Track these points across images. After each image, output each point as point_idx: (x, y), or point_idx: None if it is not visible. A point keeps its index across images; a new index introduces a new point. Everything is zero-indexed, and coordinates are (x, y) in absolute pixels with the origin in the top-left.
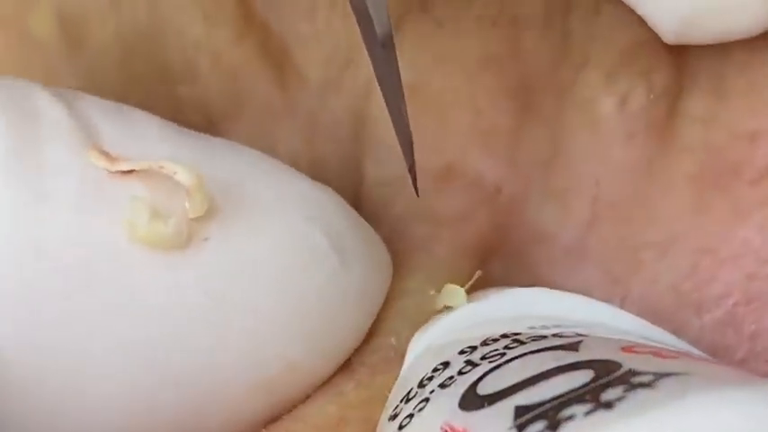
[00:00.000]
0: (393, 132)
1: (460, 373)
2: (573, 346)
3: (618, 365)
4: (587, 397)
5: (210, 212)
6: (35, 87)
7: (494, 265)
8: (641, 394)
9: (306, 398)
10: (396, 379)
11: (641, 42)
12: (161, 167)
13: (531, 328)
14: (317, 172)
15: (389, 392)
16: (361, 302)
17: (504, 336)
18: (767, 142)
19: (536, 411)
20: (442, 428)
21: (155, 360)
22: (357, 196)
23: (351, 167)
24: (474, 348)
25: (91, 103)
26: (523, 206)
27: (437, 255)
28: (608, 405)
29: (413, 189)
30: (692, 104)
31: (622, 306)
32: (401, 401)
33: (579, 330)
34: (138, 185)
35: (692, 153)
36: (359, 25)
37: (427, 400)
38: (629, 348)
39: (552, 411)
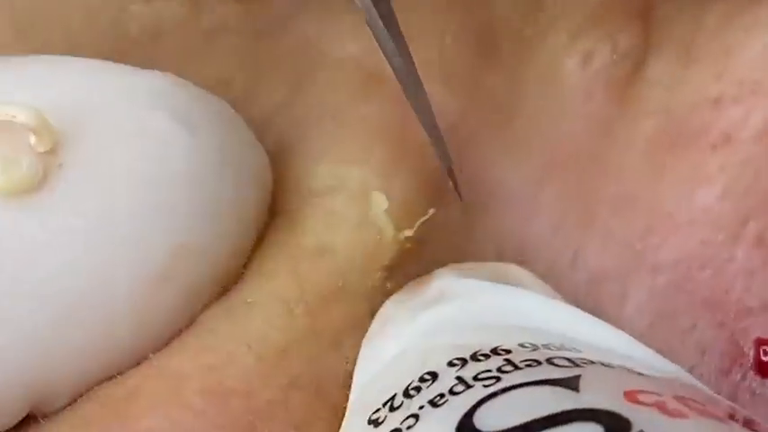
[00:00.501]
0: None
1: (452, 392)
2: (573, 383)
3: (627, 424)
4: None
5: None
6: None
7: (450, 208)
8: None
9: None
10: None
11: (611, 4)
12: (2, 113)
13: (522, 345)
14: None
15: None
16: (230, 166)
17: (495, 352)
18: (730, 107)
19: None
20: None
21: (46, 296)
22: None
23: None
24: (464, 362)
25: None
26: (481, 151)
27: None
28: None
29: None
30: (656, 69)
31: (575, 261)
32: (384, 406)
33: (570, 354)
34: None
35: (652, 116)
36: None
37: (417, 417)
38: (632, 395)
39: None
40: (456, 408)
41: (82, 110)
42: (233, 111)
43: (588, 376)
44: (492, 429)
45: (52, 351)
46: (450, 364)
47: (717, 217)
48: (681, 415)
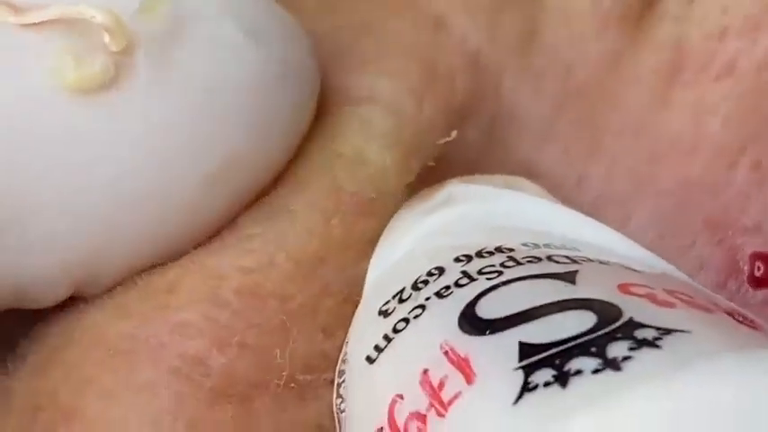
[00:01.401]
0: None
1: (457, 284)
2: (570, 277)
3: (618, 312)
4: (593, 349)
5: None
6: None
7: (468, 131)
8: (648, 355)
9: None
10: None
11: None
12: (79, 13)
13: (525, 244)
14: None
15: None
16: (292, 86)
17: (499, 250)
18: (735, 38)
19: (542, 355)
20: (441, 347)
21: (110, 194)
22: None
23: None
24: (469, 258)
25: None
26: (500, 79)
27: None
28: (615, 365)
29: None
30: (667, 3)
31: (580, 183)
32: (393, 298)
33: (569, 253)
34: (56, 33)
35: (661, 49)
36: None
37: (423, 307)
38: (624, 287)
39: (559, 360)
40: (460, 298)
41: (157, 15)
42: (296, 22)
43: (585, 271)
44: (492, 317)
45: (105, 243)
46: (457, 260)
47: (718, 144)
48: (669, 305)
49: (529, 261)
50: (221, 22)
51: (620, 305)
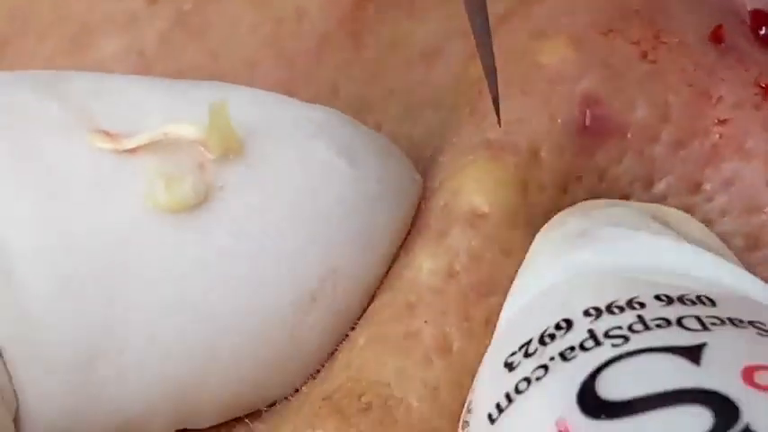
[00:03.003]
0: None
1: (582, 347)
2: (695, 354)
3: (736, 414)
4: None
5: (219, 160)
6: (16, 79)
7: None
8: None
9: (364, 306)
10: None
11: None
12: (166, 134)
13: (658, 297)
14: None
15: None
16: (387, 196)
17: (630, 305)
18: None
19: None
20: (558, 425)
21: (202, 313)
22: None
23: None
24: (599, 313)
25: (80, 83)
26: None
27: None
28: None
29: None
30: None
31: None
32: (520, 350)
33: (702, 312)
34: (147, 157)
35: None
36: None
37: (546, 368)
38: (749, 374)
39: None
40: (582, 366)
41: (246, 136)
42: (393, 145)
43: (713, 345)
44: (610, 398)
45: (203, 367)
46: (586, 313)
47: None
48: None
49: (657, 325)
50: (314, 145)
51: (740, 403)
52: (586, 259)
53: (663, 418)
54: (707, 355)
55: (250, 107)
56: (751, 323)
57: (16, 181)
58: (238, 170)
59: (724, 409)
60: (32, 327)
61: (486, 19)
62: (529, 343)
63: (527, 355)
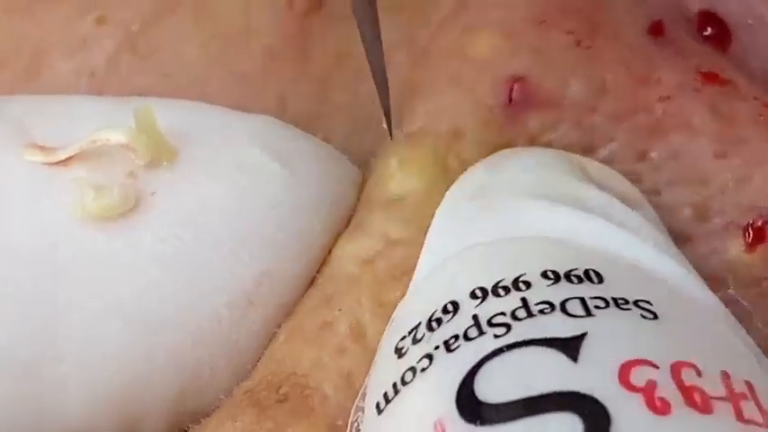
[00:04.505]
0: None
1: (466, 337)
2: (574, 349)
3: (607, 420)
4: None
5: (151, 167)
6: None
7: None
8: None
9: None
10: None
11: None
12: (94, 142)
13: (545, 275)
14: None
15: None
16: (325, 200)
17: (516, 286)
18: None
19: None
20: (436, 427)
21: (134, 317)
22: None
23: None
24: (485, 294)
25: (18, 105)
26: None
27: None
28: None
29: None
30: None
31: None
32: (409, 335)
33: (588, 292)
34: (79, 167)
35: None
36: None
37: (431, 358)
38: (625, 373)
39: None
40: (464, 359)
41: (180, 144)
42: (335, 151)
43: (594, 333)
44: (487, 400)
45: (143, 372)
46: (473, 295)
47: None
48: (664, 411)
49: (540, 311)
50: (247, 150)
51: (612, 408)
52: (478, 228)
53: (534, 427)
54: (586, 350)
55: (185, 117)
56: (636, 303)
57: None
58: (171, 177)
59: (596, 416)
60: None
61: (378, 29)
62: (417, 327)
63: (415, 341)
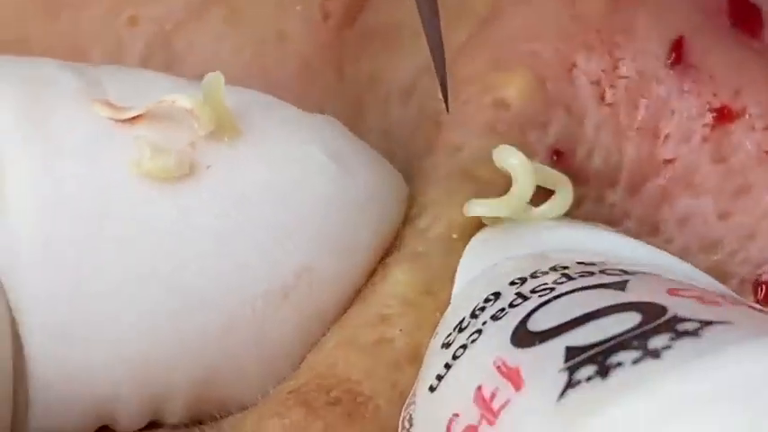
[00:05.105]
0: None
1: (512, 305)
2: (620, 286)
3: (663, 310)
4: (635, 343)
5: (211, 140)
6: (47, 61)
7: None
8: (687, 343)
9: (337, 311)
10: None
11: None
12: (160, 102)
13: (580, 263)
14: None
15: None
16: (374, 205)
17: (554, 269)
18: None
19: (586, 354)
20: (494, 363)
21: (173, 286)
22: None
23: None
24: (524, 280)
25: (100, 70)
26: None
27: None
28: (655, 354)
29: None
30: None
31: None
32: (454, 330)
33: (625, 268)
34: (142, 128)
35: None
36: None
37: (480, 331)
38: (673, 291)
39: (601, 356)
40: (514, 317)
41: (243, 123)
42: (386, 161)
43: (636, 280)
44: (542, 329)
45: (169, 347)
46: (512, 283)
47: None
48: (715, 303)
49: (581, 276)
50: (307, 146)
51: (667, 305)
52: (503, 251)
53: (593, 326)
54: (632, 286)
55: (250, 101)
56: (670, 279)
57: (23, 137)
58: (228, 153)
59: (651, 309)
60: (21, 269)
61: (436, 4)
62: (462, 321)
63: (461, 330)
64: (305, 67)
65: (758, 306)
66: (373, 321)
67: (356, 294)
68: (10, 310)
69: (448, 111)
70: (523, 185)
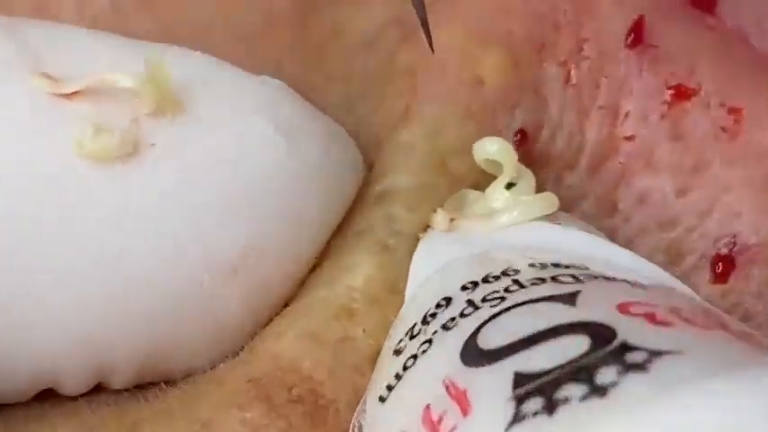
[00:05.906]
0: None
1: (462, 315)
2: (570, 299)
3: (613, 334)
4: (582, 376)
5: (154, 117)
6: None
7: None
8: (634, 380)
9: (287, 286)
10: None
11: None
12: (101, 80)
13: (532, 265)
14: None
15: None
16: (324, 179)
17: (505, 273)
18: None
19: (533, 384)
20: (443, 382)
21: (117, 266)
22: None
23: None
24: (475, 285)
25: (35, 31)
26: None
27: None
28: (602, 391)
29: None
30: None
31: None
32: (405, 336)
33: (576, 273)
34: (84, 105)
35: None
36: None
37: (430, 341)
38: (624, 307)
39: (549, 387)
40: (464, 330)
41: (187, 99)
42: (341, 130)
43: (587, 291)
44: (491, 347)
45: (117, 321)
46: (463, 288)
47: None
48: (666, 324)
49: (533, 284)
50: (253, 118)
51: (616, 326)
52: (455, 249)
53: (542, 349)
54: (582, 298)
55: (197, 71)
56: (623, 280)
57: None
58: (172, 130)
59: (600, 332)
60: None
61: None
62: (413, 327)
63: (412, 337)
64: (270, 18)
65: (709, 319)
66: (338, 314)
67: (311, 270)
68: None
69: (432, 51)
70: (509, 170)
